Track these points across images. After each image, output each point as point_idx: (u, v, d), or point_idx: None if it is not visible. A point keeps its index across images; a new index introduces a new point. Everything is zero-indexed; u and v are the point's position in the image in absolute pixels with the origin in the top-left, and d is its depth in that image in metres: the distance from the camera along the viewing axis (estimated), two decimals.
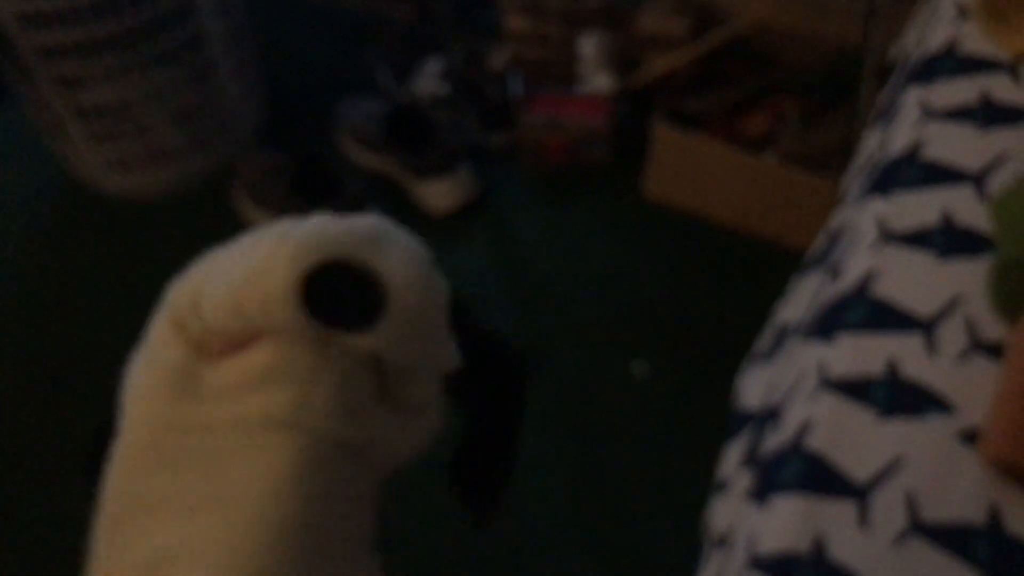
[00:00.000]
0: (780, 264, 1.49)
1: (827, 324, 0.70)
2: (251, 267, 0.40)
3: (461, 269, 1.57)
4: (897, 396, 0.63)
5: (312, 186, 1.55)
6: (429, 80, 1.75)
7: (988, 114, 0.77)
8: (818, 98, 1.61)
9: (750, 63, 1.69)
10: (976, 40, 0.83)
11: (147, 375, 0.42)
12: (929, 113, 0.79)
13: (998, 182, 0.71)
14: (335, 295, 0.40)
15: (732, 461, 0.84)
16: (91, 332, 1.52)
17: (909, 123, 0.79)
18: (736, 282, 1.52)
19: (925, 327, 0.65)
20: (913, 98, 0.82)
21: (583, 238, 1.60)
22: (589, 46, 1.69)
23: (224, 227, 1.60)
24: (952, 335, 0.64)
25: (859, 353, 0.66)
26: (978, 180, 0.72)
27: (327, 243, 0.41)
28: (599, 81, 1.70)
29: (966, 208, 0.70)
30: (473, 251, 1.59)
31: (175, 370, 0.40)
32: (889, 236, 0.72)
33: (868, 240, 0.73)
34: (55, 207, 1.72)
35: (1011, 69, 0.80)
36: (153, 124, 1.58)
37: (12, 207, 1.71)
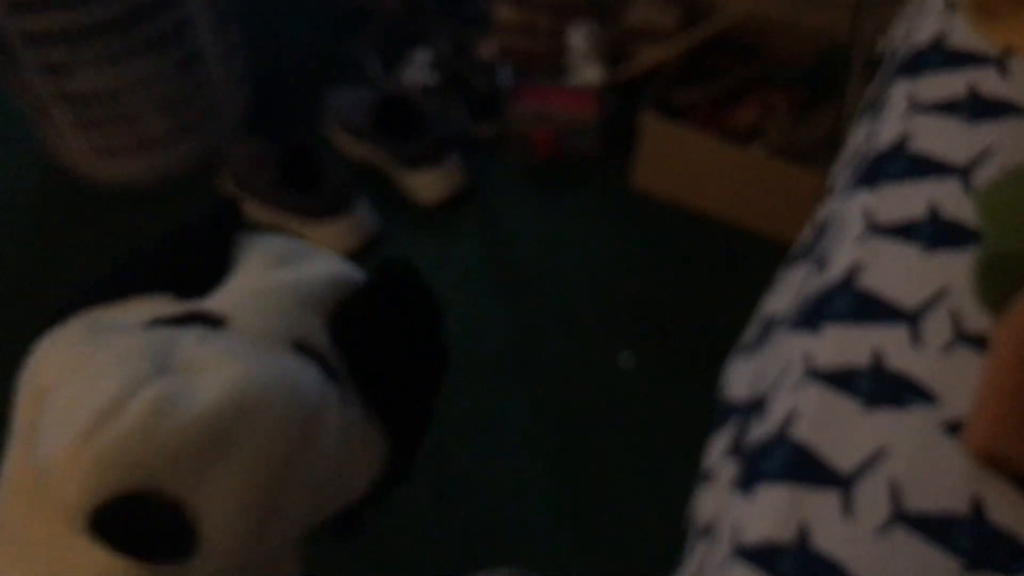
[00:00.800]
0: (766, 256, 1.50)
1: (813, 315, 0.70)
2: (57, 460, 0.34)
3: (449, 259, 1.56)
4: (882, 387, 0.64)
5: (298, 175, 1.55)
6: (417, 70, 1.74)
7: (975, 108, 0.77)
8: (806, 91, 1.61)
9: (739, 55, 1.69)
10: (964, 33, 0.83)
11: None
12: (916, 106, 0.80)
13: (984, 175, 0.72)
14: (137, 525, 0.35)
15: (717, 451, 0.84)
16: None
17: (896, 116, 0.80)
18: (723, 273, 1.53)
19: (910, 319, 0.66)
20: (901, 91, 0.82)
21: (571, 228, 1.60)
22: (578, 37, 1.68)
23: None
24: (937, 327, 0.65)
25: (844, 344, 0.67)
26: (964, 173, 0.72)
27: (132, 465, 0.35)
28: (588, 72, 1.70)
29: (952, 201, 0.71)
30: (461, 241, 1.59)
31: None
32: (875, 228, 0.72)
33: (854, 232, 0.73)
34: (40, 193, 1.70)
35: (998, 62, 0.81)
36: (139, 111, 1.57)
37: None
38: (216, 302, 0.50)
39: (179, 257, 0.51)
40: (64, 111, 1.55)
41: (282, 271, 0.52)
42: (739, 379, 0.90)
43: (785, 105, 1.58)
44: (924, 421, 0.62)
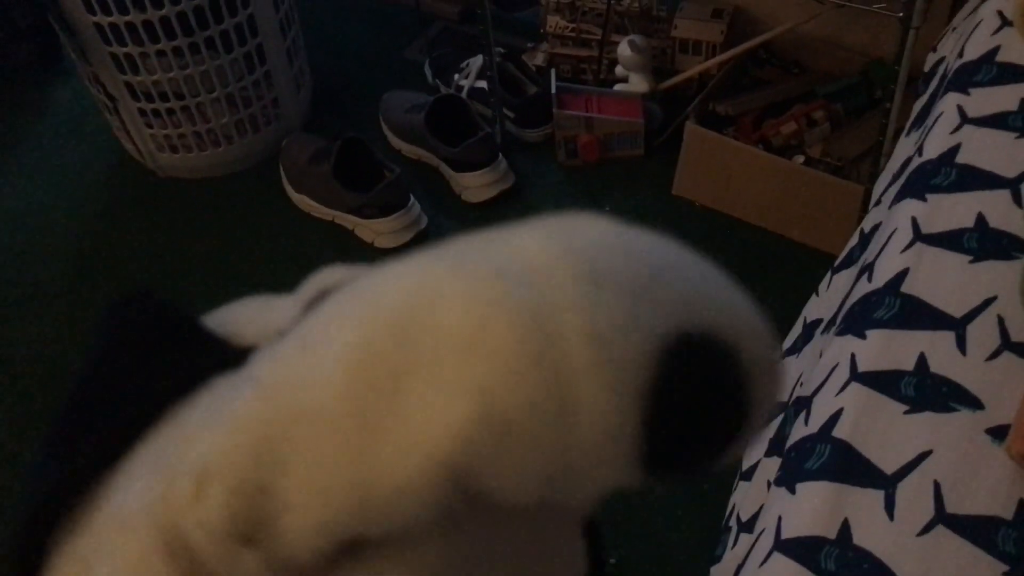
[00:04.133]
0: (803, 262, 1.52)
1: (860, 320, 0.72)
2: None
3: None
4: (926, 391, 0.66)
5: (353, 172, 1.59)
6: (469, 75, 1.78)
7: None
8: (848, 105, 1.63)
9: (782, 69, 1.71)
10: (1017, 49, 0.85)
11: None
12: (967, 119, 0.81)
13: None
14: None
15: (757, 450, 0.86)
16: None
17: (946, 128, 0.82)
18: (760, 278, 1.55)
19: (956, 325, 0.68)
20: (951, 104, 0.84)
21: None
22: (625, 48, 1.71)
23: (271, 208, 1.65)
24: (983, 334, 0.67)
25: (890, 348, 0.69)
26: (1014, 185, 0.74)
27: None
28: (634, 82, 1.73)
29: (1000, 212, 0.73)
30: None
31: None
32: (923, 237, 0.74)
33: (902, 241, 0.75)
34: (109, 182, 1.77)
35: None
36: (204, 107, 1.62)
37: (67, 179, 1.76)
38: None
39: None
40: (132, 104, 1.60)
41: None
42: None
43: (827, 118, 1.59)
44: (968, 426, 0.64)
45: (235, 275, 1.56)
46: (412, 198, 1.59)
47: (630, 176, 1.70)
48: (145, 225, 1.68)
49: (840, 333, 0.74)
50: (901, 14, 1.22)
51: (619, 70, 1.75)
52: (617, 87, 1.75)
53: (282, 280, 0.40)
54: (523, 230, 0.28)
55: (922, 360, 0.67)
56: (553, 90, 1.68)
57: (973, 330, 0.67)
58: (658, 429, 0.25)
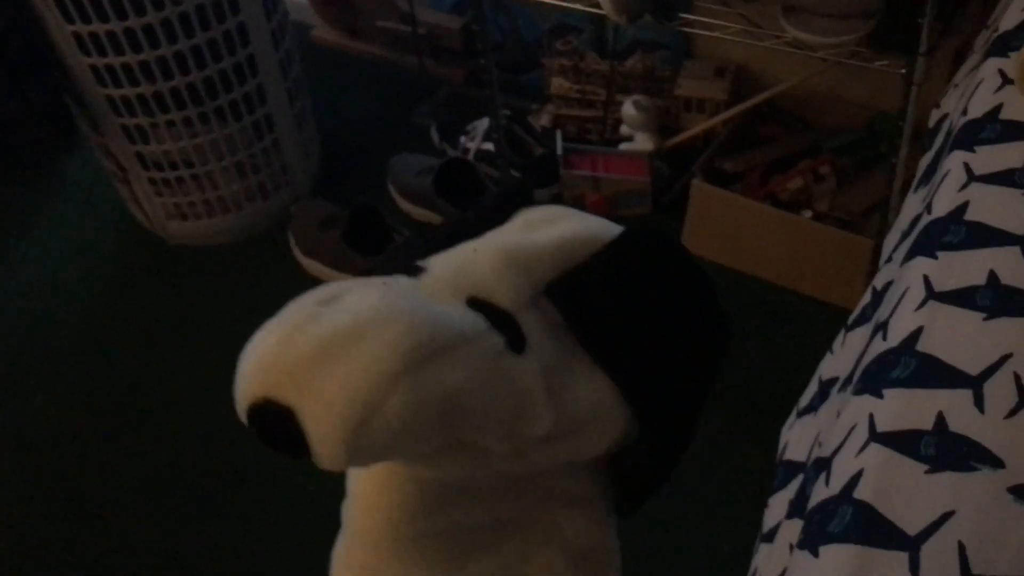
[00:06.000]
0: (813, 317, 1.51)
1: (876, 379, 0.72)
2: None
3: None
4: (947, 450, 0.65)
5: (363, 236, 1.60)
6: (477, 138, 1.80)
7: None
8: (854, 158, 1.64)
9: (787, 125, 1.73)
10: (1019, 106, 0.86)
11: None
12: (974, 177, 0.82)
13: None
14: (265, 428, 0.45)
15: (778, 512, 0.85)
16: (151, 370, 1.57)
17: (954, 186, 0.82)
18: (771, 333, 1.54)
19: (974, 383, 0.67)
20: (958, 162, 0.84)
21: None
22: (630, 107, 1.74)
23: (280, 274, 1.65)
24: (1001, 392, 0.66)
25: (908, 408, 0.68)
26: (1023, 242, 0.74)
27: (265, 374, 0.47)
28: (639, 140, 1.75)
29: (1011, 269, 0.73)
30: None
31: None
32: (936, 295, 0.74)
33: (915, 299, 0.75)
34: (118, 250, 1.78)
35: None
36: (213, 174, 1.64)
37: (77, 248, 1.78)
38: (439, 257, 0.56)
39: (467, 229, 0.57)
40: (142, 173, 1.62)
41: (515, 234, 0.56)
42: (797, 441, 0.91)
43: (833, 173, 1.61)
44: (990, 485, 0.63)
45: (246, 340, 1.56)
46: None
47: None
48: (156, 293, 1.69)
49: (857, 392, 0.74)
50: (903, 71, 1.23)
51: (624, 129, 1.77)
52: (623, 146, 1.77)
53: None
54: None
55: (940, 419, 0.67)
56: (559, 151, 1.70)
57: (990, 388, 0.67)
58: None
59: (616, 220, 1.83)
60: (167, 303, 1.67)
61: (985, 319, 0.71)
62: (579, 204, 1.71)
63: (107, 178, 1.75)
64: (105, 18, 1.40)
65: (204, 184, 1.64)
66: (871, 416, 0.69)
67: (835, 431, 0.76)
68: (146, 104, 1.51)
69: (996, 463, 0.64)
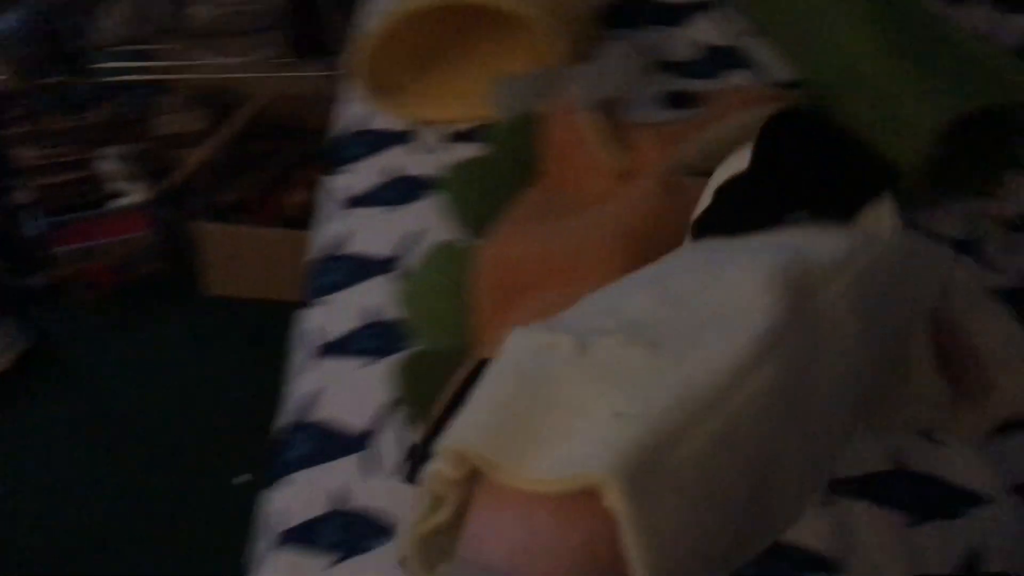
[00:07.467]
0: None
1: None
2: None
3: (35, 427, 1.42)
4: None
5: None
6: None
7: (397, 191, 0.78)
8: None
9: (283, 137, 1.68)
10: (383, 115, 0.84)
11: None
12: (350, 201, 0.80)
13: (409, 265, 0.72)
14: None
15: None
16: None
17: (336, 213, 0.80)
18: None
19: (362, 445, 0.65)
20: (338, 184, 0.82)
21: (159, 353, 1.51)
22: (109, 161, 1.59)
23: None
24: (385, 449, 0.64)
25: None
26: (389, 264, 0.73)
27: None
28: (131, 193, 1.61)
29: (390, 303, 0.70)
30: (44, 405, 1.45)
31: None
32: (325, 348, 0.71)
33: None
34: None
35: (404, 138, 0.82)
36: None
37: None
38: None
39: None
40: None
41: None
42: None
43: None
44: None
45: None
46: None
47: (158, 290, 1.59)
48: None
49: None
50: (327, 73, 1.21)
51: (111, 185, 1.62)
52: (120, 203, 1.62)
53: None
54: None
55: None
56: (42, 228, 1.52)
57: (377, 443, 0.65)
58: None
59: (136, 282, 1.65)
60: None
61: (366, 366, 0.68)
62: (81, 281, 1.55)
63: None
64: None
65: None
66: None
67: None
68: None
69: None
